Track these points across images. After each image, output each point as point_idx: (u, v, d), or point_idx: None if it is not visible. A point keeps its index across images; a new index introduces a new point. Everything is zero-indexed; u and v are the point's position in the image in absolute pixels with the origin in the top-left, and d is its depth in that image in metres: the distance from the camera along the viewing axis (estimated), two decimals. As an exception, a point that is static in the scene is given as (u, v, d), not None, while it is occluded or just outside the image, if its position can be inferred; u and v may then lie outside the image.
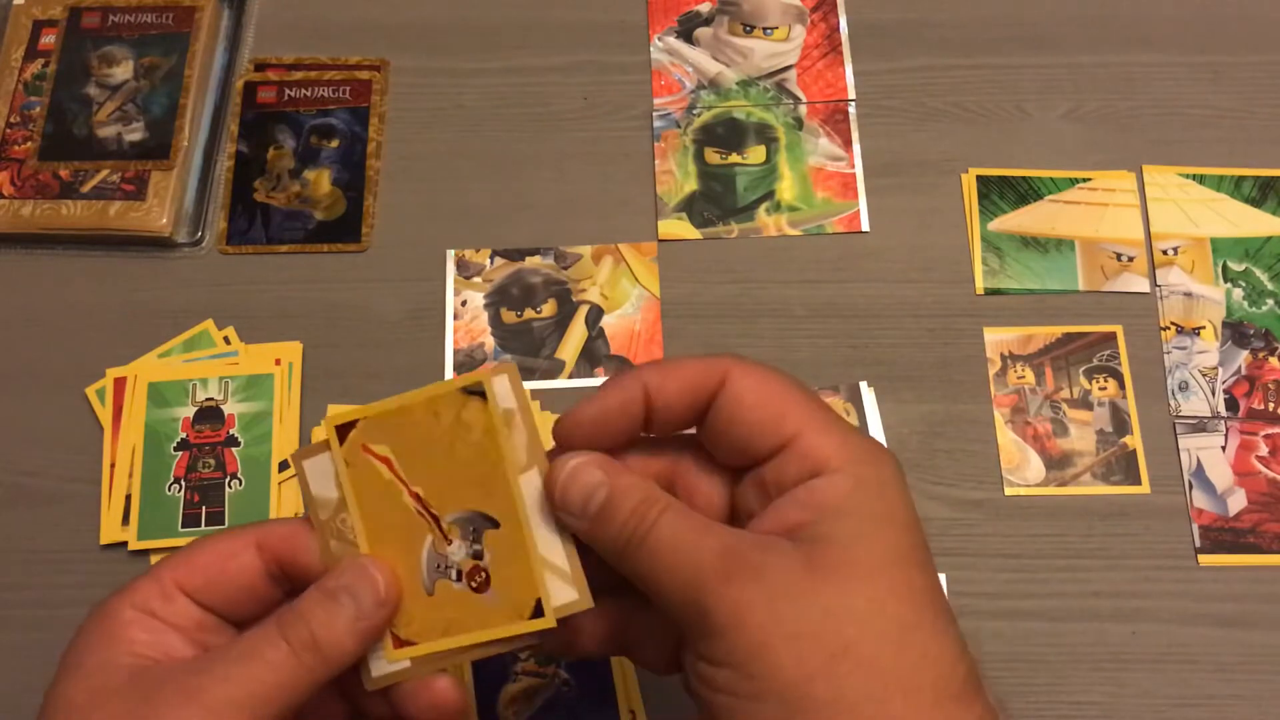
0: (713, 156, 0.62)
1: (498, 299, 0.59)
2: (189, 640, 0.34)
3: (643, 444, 0.36)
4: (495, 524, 0.37)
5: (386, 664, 0.35)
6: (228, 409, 0.56)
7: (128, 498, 0.54)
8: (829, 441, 0.33)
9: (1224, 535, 0.53)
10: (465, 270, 0.59)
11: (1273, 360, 0.57)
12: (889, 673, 0.30)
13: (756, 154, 0.61)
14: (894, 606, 0.31)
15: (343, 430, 0.37)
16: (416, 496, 0.38)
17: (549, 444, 0.36)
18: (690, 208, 0.60)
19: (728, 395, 0.34)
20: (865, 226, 0.60)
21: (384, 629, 0.35)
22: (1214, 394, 0.56)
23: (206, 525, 0.54)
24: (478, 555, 0.36)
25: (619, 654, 0.38)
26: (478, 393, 0.36)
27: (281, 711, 0.32)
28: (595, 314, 0.58)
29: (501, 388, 0.35)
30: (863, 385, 0.56)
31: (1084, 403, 0.56)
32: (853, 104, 0.63)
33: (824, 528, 0.32)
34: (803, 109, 0.62)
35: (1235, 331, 0.57)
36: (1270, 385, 0.56)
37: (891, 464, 0.34)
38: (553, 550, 0.35)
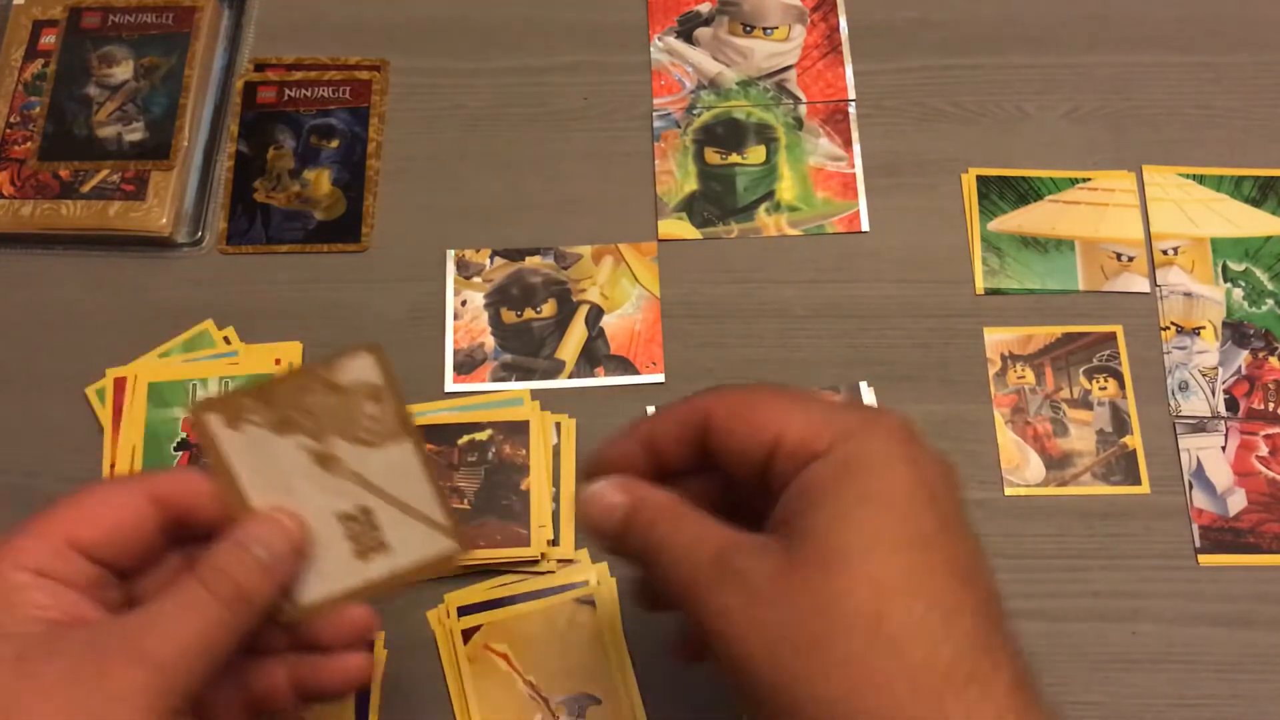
0: (713, 156, 0.62)
1: (498, 299, 0.59)
2: (89, 598, 0.34)
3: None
4: (598, 700, 0.49)
5: (310, 597, 0.37)
6: (228, 409, 0.56)
7: (128, 498, 0.54)
8: (810, 429, 0.33)
9: (1224, 535, 0.53)
10: (465, 270, 0.59)
11: (1273, 360, 0.57)
12: (861, 665, 0.29)
13: (756, 154, 0.62)
14: (861, 597, 0.30)
15: (468, 633, 0.50)
16: (530, 684, 0.49)
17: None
18: (690, 208, 0.60)
19: (713, 424, 0.35)
20: (865, 226, 0.60)
21: (298, 573, 0.36)
22: (1214, 394, 0.56)
23: (206, 525, 0.54)
24: None
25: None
26: (589, 602, 0.50)
27: (221, 659, 0.34)
28: (595, 314, 0.58)
29: (364, 364, 0.37)
30: (863, 385, 0.56)
31: (1084, 403, 0.56)
32: (853, 104, 0.63)
33: (806, 519, 0.32)
34: (803, 109, 0.62)
35: (1235, 331, 0.57)
36: (1270, 385, 0.56)
37: (882, 434, 0.33)
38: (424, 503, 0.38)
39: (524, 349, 0.58)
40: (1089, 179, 0.60)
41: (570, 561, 0.52)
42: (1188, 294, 0.58)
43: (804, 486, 0.32)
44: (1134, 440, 0.55)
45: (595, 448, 0.39)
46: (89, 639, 0.32)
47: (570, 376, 0.57)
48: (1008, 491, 0.54)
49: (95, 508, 0.35)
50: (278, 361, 0.57)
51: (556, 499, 0.53)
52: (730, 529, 0.34)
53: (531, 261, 0.60)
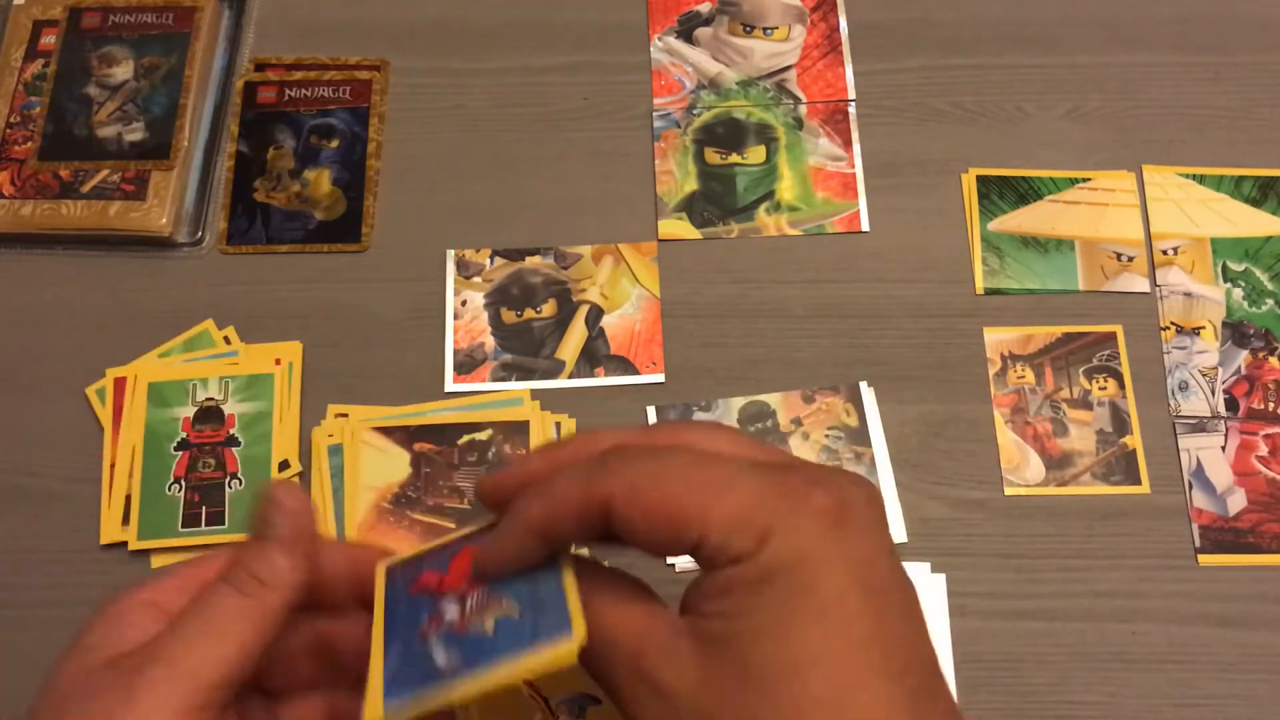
0: (713, 156, 0.62)
1: (498, 299, 0.59)
2: None
3: None
4: (598, 701, 0.48)
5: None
6: (228, 409, 0.56)
7: (128, 498, 0.54)
8: (733, 526, 0.30)
9: (1224, 535, 0.53)
10: (465, 270, 0.59)
11: (1272, 360, 0.57)
12: None
13: (756, 154, 0.62)
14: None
15: None
16: (529, 684, 0.47)
17: None
18: (690, 208, 0.60)
19: (617, 520, 0.32)
20: (865, 226, 0.60)
21: (313, 541, 0.36)
22: (1214, 394, 0.56)
23: (206, 525, 0.54)
24: None
25: None
26: None
27: (255, 648, 0.33)
28: (595, 314, 0.58)
29: None
30: (863, 385, 0.56)
31: (1084, 403, 0.56)
32: (853, 104, 0.63)
33: (726, 626, 0.30)
34: (803, 109, 0.62)
35: (1235, 331, 0.57)
36: (1270, 385, 0.56)
37: (808, 525, 0.30)
38: None
39: (524, 349, 0.58)
40: (1089, 179, 0.60)
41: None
42: (1188, 294, 0.58)
43: (724, 588, 0.30)
44: (1134, 440, 0.55)
45: (493, 538, 0.34)
46: (134, 654, 0.33)
47: (570, 376, 0.57)
48: (1008, 491, 0.54)
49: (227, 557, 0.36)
50: (278, 362, 0.57)
51: (556, 499, 0.53)
52: (648, 614, 0.32)
53: (531, 261, 0.60)
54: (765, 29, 0.65)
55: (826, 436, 0.55)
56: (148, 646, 0.33)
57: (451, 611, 0.35)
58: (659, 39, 0.65)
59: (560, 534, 0.33)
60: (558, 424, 0.55)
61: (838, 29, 0.64)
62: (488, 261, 0.60)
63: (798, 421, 0.55)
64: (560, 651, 0.31)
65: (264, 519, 0.35)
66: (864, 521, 0.31)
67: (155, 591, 0.35)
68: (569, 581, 0.33)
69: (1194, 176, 0.60)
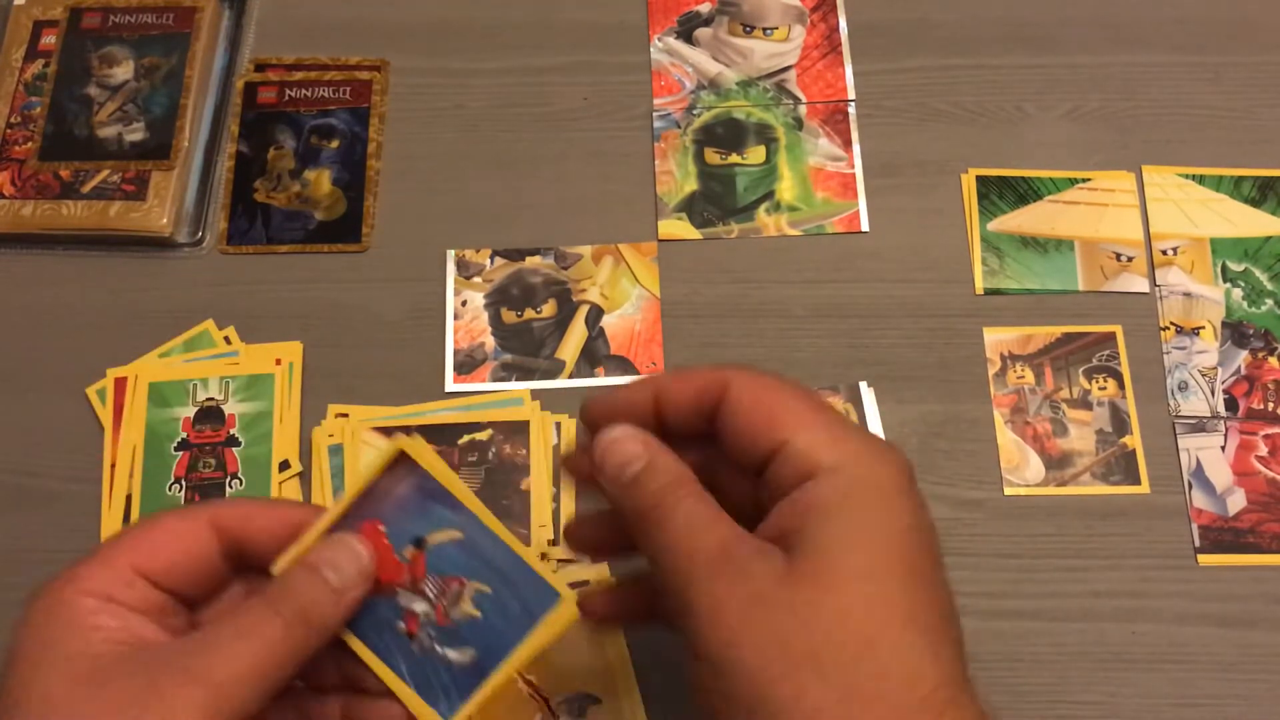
0: (713, 157, 0.62)
1: (498, 299, 0.59)
2: (155, 623, 0.34)
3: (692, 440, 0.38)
4: (598, 700, 0.49)
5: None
6: (228, 409, 0.56)
7: (128, 498, 0.54)
8: (822, 444, 0.34)
9: (1223, 535, 0.53)
10: (465, 270, 0.59)
11: (1272, 360, 0.57)
12: (847, 682, 0.31)
13: (756, 154, 0.62)
14: (860, 619, 0.32)
15: None
16: (530, 683, 0.49)
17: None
18: (690, 208, 0.60)
19: (728, 403, 0.35)
20: (865, 226, 0.60)
21: (363, 597, 0.36)
22: (1213, 394, 0.56)
23: (207, 525, 0.54)
24: None
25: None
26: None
27: (280, 682, 0.33)
28: (595, 314, 0.58)
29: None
30: (863, 385, 0.56)
31: (1083, 403, 0.56)
32: (852, 104, 0.63)
33: (808, 534, 0.33)
34: (802, 109, 0.62)
35: (1235, 331, 0.57)
36: (1269, 385, 0.56)
37: (892, 466, 0.34)
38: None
39: (524, 349, 0.58)
40: (1089, 179, 0.61)
41: (570, 561, 0.52)
42: (1187, 294, 0.58)
43: (810, 501, 0.33)
44: (1133, 440, 0.55)
45: (604, 392, 0.38)
46: (149, 659, 0.32)
47: (570, 376, 0.57)
48: (1007, 491, 0.54)
49: (160, 536, 0.35)
50: (278, 362, 0.57)
51: (557, 499, 0.54)
52: (735, 524, 0.34)
53: (531, 261, 0.60)
54: (765, 29, 0.65)
55: (826, 436, 0.55)
56: (179, 657, 0.32)
57: (419, 605, 0.37)
58: (659, 39, 0.65)
59: (677, 400, 0.37)
60: (558, 424, 0.55)
61: (837, 29, 0.64)
62: (488, 261, 0.60)
63: (798, 421, 0.55)
64: (563, 615, 0.36)
65: (329, 560, 0.35)
66: (922, 498, 0.35)
67: (101, 584, 0.34)
68: (504, 534, 0.36)
69: (1194, 177, 0.60)
